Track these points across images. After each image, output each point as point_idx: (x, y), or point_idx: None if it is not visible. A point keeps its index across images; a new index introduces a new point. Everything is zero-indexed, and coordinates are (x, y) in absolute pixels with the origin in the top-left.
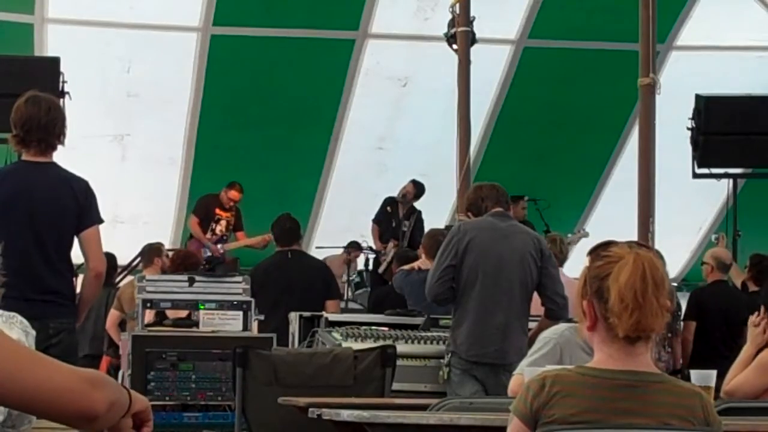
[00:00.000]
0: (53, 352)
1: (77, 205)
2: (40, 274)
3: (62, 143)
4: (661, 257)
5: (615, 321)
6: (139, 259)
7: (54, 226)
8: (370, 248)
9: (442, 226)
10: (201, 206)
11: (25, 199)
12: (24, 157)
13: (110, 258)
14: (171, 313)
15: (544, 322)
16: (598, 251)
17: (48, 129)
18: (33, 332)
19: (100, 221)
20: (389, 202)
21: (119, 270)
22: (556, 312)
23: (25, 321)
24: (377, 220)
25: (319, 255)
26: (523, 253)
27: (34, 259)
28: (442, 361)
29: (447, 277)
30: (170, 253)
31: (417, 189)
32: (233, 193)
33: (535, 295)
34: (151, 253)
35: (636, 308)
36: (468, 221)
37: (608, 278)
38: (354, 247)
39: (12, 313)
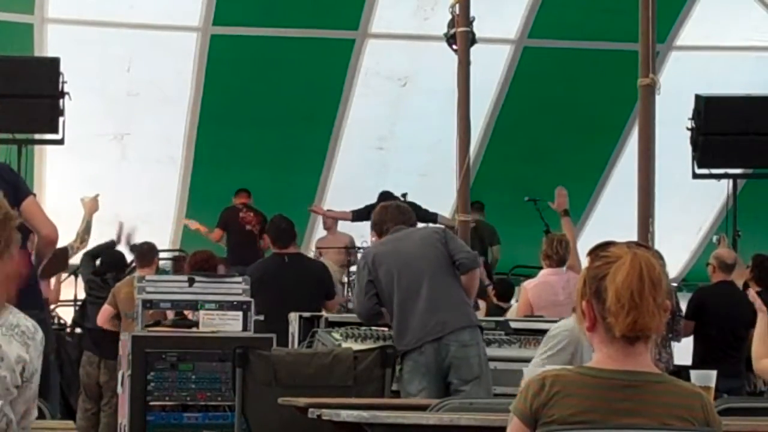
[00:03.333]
0: None
1: (8, 185)
2: None
3: None
4: (661, 257)
5: (612, 321)
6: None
7: None
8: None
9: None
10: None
11: None
12: None
13: (119, 255)
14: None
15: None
16: (597, 252)
17: None
18: (37, 340)
19: (31, 192)
20: None
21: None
22: (467, 264)
23: (28, 329)
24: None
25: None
26: (424, 238)
27: None
28: (397, 367)
29: (372, 292)
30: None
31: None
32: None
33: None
34: (151, 253)
35: (633, 308)
36: (369, 246)
37: (606, 278)
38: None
39: (13, 324)
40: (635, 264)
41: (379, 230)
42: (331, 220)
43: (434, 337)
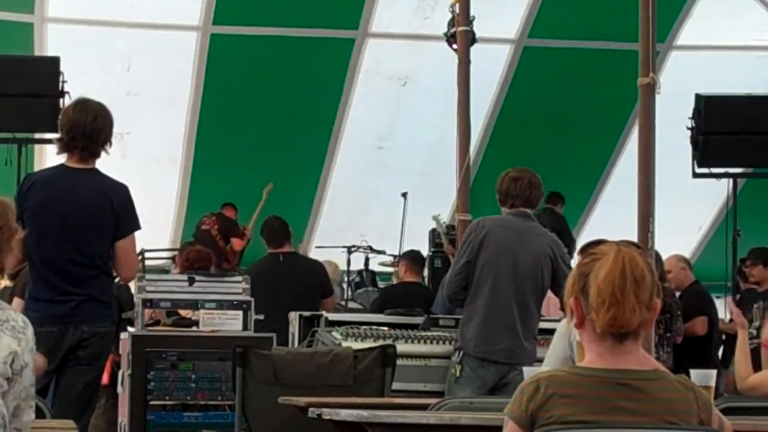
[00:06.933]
0: (81, 354)
1: (113, 213)
2: (76, 278)
3: (107, 152)
4: (659, 257)
5: (593, 317)
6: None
7: (89, 232)
8: (370, 248)
9: None
10: None
11: (60, 204)
12: (66, 162)
13: None
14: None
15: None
16: (587, 249)
17: (92, 137)
18: (28, 335)
19: (137, 228)
20: None
21: None
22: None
23: (18, 324)
24: None
25: (318, 255)
26: (537, 256)
27: (69, 262)
28: (453, 358)
29: (464, 273)
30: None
31: None
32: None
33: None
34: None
35: (613, 303)
36: (487, 217)
37: (590, 275)
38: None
39: (2, 319)
40: (618, 260)
41: (503, 202)
42: None
43: (503, 362)
